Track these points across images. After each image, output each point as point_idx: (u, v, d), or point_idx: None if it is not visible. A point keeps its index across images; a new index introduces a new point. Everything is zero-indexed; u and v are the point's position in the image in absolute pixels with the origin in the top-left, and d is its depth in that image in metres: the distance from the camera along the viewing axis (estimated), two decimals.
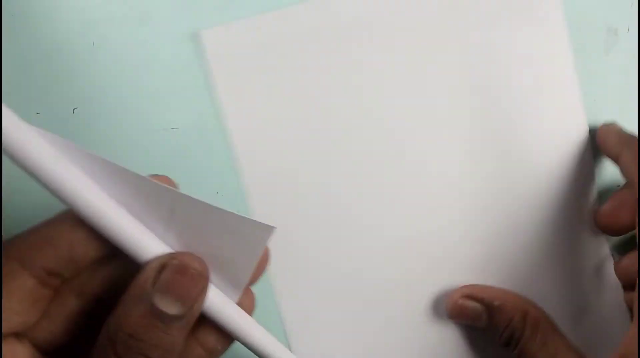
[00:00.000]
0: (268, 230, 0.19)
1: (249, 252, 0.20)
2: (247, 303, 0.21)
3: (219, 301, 0.20)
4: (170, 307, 0.18)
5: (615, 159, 0.28)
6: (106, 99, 0.25)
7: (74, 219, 0.19)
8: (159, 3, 0.26)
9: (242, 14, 0.26)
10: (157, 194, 0.19)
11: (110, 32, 0.25)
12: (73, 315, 0.20)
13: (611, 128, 0.29)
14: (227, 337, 0.21)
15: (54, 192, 0.18)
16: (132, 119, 0.26)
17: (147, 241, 0.19)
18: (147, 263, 0.18)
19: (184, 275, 0.18)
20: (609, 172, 0.30)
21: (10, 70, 0.27)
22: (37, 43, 0.25)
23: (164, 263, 0.18)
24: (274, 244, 0.22)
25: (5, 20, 0.24)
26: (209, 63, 0.25)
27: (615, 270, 0.29)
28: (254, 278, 0.21)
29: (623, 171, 0.27)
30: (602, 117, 0.30)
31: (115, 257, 0.20)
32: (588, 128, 0.29)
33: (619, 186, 0.30)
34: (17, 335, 0.19)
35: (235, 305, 0.21)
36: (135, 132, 0.26)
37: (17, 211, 0.26)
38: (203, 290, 0.19)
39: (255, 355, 0.22)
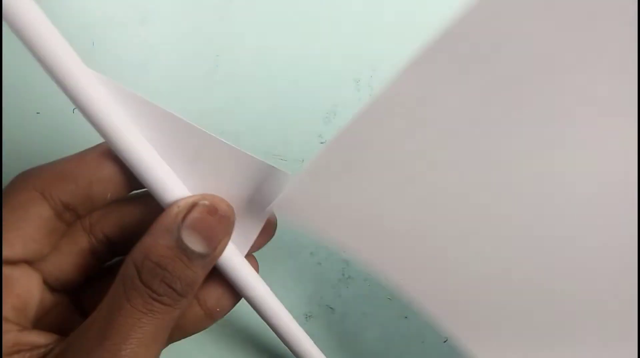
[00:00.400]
0: (284, 176, 0.20)
1: (262, 202, 0.20)
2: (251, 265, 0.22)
3: (230, 253, 0.20)
4: (196, 244, 0.18)
5: None
6: None
7: (98, 158, 0.19)
8: (159, 3, 0.26)
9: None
10: (184, 132, 0.19)
11: (110, 32, 0.25)
12: (82, 252, 0.21)
13: None
14: (228, 297, 0.21)
15: (89, 116, 0.18)
16: None
17: (172, 183, 0.19)
18: (180, 199, 0.19)
19: (212, 215, 0.19)
20: None
21: (11, 70, 0.27)
22: None
23: (195, 201, 0.19)
24: None
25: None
26: None
27: None
28: (260, 243, 0.22)
29: None
30: None
31: (131, 201, 0.21)
32: None
33: None
34: (29, 263, 0.19)
35: (244, 259, 0.21)
36: None
37: None
38: (228, 233, 0.19)
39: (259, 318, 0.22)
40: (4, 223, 0.18)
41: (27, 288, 0.19)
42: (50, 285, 0.20)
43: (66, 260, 0.21)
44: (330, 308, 0.28)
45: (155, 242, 0.18)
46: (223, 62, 0.28)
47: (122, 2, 0.25)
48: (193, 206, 0.19)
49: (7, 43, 0.25)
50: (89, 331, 0.17)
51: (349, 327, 0.28)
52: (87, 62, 0.25)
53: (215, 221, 0.19)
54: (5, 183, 0.25)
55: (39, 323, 0.20)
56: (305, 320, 0.28)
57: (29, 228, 0.19)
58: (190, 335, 0.21)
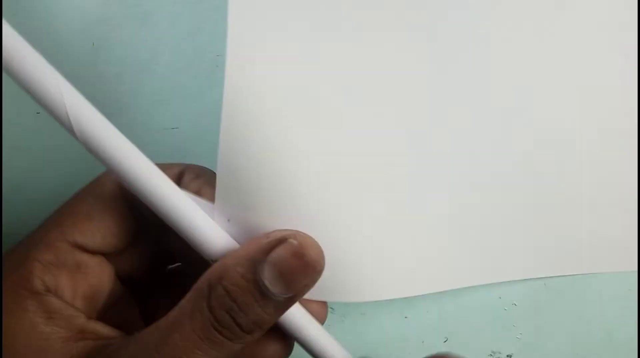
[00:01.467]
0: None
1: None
2: (318, 311, 0.20)
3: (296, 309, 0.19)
4: (274, 284, 0.17)
5: None
6: (106, 99, 0.25)
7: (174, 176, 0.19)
8: (158, 3, 0.26)
9: None
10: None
11: (110, 32, 0.25)
12: (151, 253, 0.21)
13: None
14: (286, 349, 0.20)
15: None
16: (132, 119, 0.26)
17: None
18: (274, 231, 0.18)
19: (298, 259, 0.17)
20: None
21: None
22: (37, 43, 0.25)
23: (285, 237, 0.17)
24: None
25: (6, 20, 0.24)
26: None
27: None
28: None
29: None
30: None
31: None
32: None
33: None
34: (105, 255, 0.19)
35: (309, 315, 0.20)
36: (135, 132, 0.26)
37: (17, 209, 0.26)
38: (313, 280, 0.18)
39: None
40: (87, 208, 0.19)
41: (100, 279, 0.19)
42: (120, 279, 0.20)
43: (138, 258, 0.21)
44: (331, 308, 0.28)
45: (234, 268, 0.17)
46: (223, 62, 0.28)
47: (122, 2, 0.25)
48: (281, 241, 0.17)
49: None
50: (148, 338, 0.17)
51: (349, 327, 0.28)
52: (87, 62, 0.25)
53: (300, 265, 0.17)
54: (5, 183, 0.25)
55: (105, 314, 0.20)
56: None
57: (111, 222, 0.19)
58: None
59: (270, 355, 0.20)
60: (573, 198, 0.24)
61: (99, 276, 0.19)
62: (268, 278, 0.17)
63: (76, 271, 0.18)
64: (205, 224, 0.18)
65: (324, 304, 0.20)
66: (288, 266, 0.17)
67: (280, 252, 0.17)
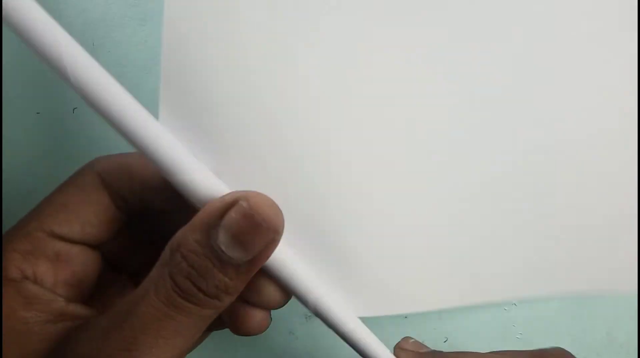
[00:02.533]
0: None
1: None
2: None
3: (283, 256, 0.19)
4: (230, 248, 0.16)
5: None
6: None
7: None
8: (159, 3, 0.26)
9: None
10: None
11: (110, 32, 0.25)
12: (146, 239, 0.21)
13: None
14: (281, 295, 0.20)
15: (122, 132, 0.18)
16: None
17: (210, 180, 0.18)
18: (227, 194, 0.17)
19: (250, 220, 0.16)
20: None
21: (11, 70, 0.27)
22: None
23: (236, 200, 0.17)
24: None
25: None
26: None
27: None
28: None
29: None
30: None
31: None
32: None
33: None
34: (88, 245, 0.20)
35: (299, 264, 0.19)
36: None
37: (17, 209, 0.26)
38: (272, 242, 0.17)
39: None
40: (66, 202, 0.19)
41: (84, 267, 0.20)
42: (115, 264, 0.21)
43: (128, 245, 0.21)
44: None
45: (188, 235, 0.17)
46: None
47: (122, 2, 0.25)
48: (233, 204, 0.17)
49: (7, 43, 0.25)
50: (119, 310, 0.17)
51: None
52: None
53: (252, 226, 0.17)
54: (4, 183, 0.25)
55: (99, 299, 0.20)
56: (305, 320, 0.28)
57: (88, 213, 0.19)
58: (249, 335, 0.20)
59: (257, 323, 0.20)
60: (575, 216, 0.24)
61: (83, 263, 0.20)
62: (223, 242, 0.16)
63: (56, 259, 0.19)
64: (196, 170, 0.18)
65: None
66: (240, 229, 0.16)
67: (232, 215, 0.16)
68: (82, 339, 0.17)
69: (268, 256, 0.17)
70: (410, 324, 0.28)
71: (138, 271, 0.22)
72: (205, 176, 0.18)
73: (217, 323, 0.19)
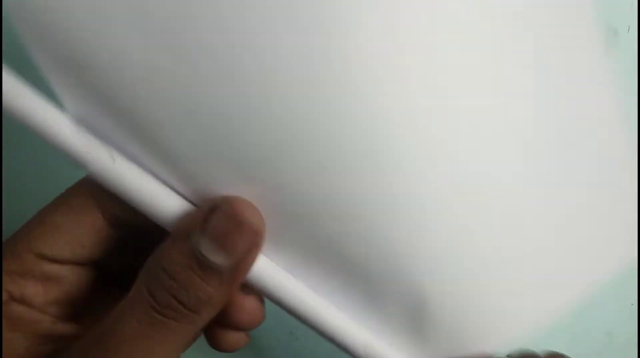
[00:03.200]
0: None
1: None
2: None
3: (264, 267, 0.18)
4: (214, 255, 0.16)
5: None
6: None
7: None
8: None
9: None
10: None
11: None
12: (138, 247, 0.20)
13: None
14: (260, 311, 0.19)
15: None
16: None
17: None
18: (206, 201, 0.17)
19: (232, 221, 0.16)
20: None
21: (11, 70, 0.27)
22: None
23: (215, 206, 0.17)
24: None
25: (6, 20, 0.24)
26: None
27: None
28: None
29: None
30: None
31: None
32: None
33: None
34: (79, 264, 0.19)
35: (282, 274, 0.18)
36: None
37: (17, 209, 0.26)
38: (254, 247, 0.17)
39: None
40: (57, 223, 0.18)
41: (76, 285, 0.19)
42: (107, 278, 0.20)
43: (126, 262, 0.20)
44: None
45: (170, 245, 0.16)
46: None
47: None
48: (213, 209, 0.17)
49: (7, 43, 0.25)
50: (97, 330, 0.17)
51: None
52: None
53: (234, 227, 0.16)
54: (4, 183, 0.25)
55: (94, 312, 0.20)
56: None
57: (81, 235, 0.18)
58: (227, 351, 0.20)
59: (234, 341, 0.20)
60: None
61: (75, 283, 0.19)
62: (205, 248, 0.16)
63: (45, 280, 0.18)
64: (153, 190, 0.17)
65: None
66: (222, 231, 0.16)
67: (213, 220, 0.16)
68: None
69: (251, 263, 0.17)
70: None
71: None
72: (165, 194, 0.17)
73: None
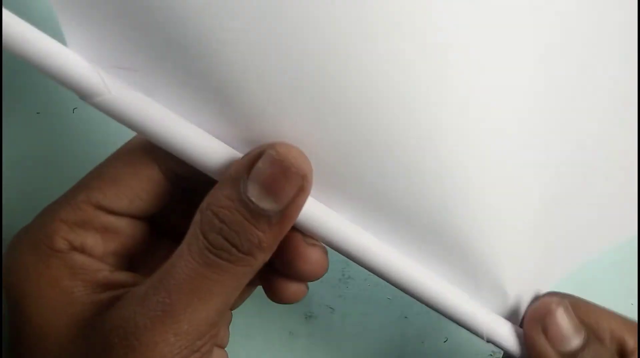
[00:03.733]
0: None
1: None
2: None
3: (314, 209, 0.18)
4: (261, 200, 0.16)
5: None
6: None
7: None
8: None
9: None
10: None
11: None
12: (193, 200, 0.20)
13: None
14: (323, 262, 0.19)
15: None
16: None
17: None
18: (254, 148, 0.17)
19: (278, 167, 0.16)
20: None
21: (11, 70, 0.27)
22: None
23: (262, 151, 0.17)
24: None
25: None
26: None
27: None
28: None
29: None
30: None
31: None
32: None
33: None
34: (136, 217, 0.20)
35: (331, 212, 0.19)
36: None
37: (18, 209, 0.26)
38: (301, 192, 0.17)
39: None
40: (115, 176, 0.19)
41: (133, 238, 0.20)
42: (163, 230, 0.21)
43: (180, 212, 0.20)
44: (330, 308, 0.28)
45: (219, 190, 0.17)
46: None
47: None
48: (260, 155, 0.17)
49: None
50: (156, 274, 0.17)
51: (349, 327, 0.28)
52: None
53: (281, 172, 0.16)
54: (4, 183, 0.25)
55: (150, 264, 0.20)
56: (305, 319, 0.28)
57: (138, 188, 0.19)
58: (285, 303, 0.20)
59: (293, 292, 0.20)
60: None
61: (131, 234, 0.20)
62: (253, 193, 0.16)
63: (104, 231, 0.19)
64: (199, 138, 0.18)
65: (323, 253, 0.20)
66: (270, 177, 0.16)
67: (260, 165, 0.16)
68: (121, 305, 0.17)
69: (300, 208, 0.17)
70: (411, 324, 0.28)
71: None
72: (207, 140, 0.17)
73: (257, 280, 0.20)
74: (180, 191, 0.20)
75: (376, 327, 0.28)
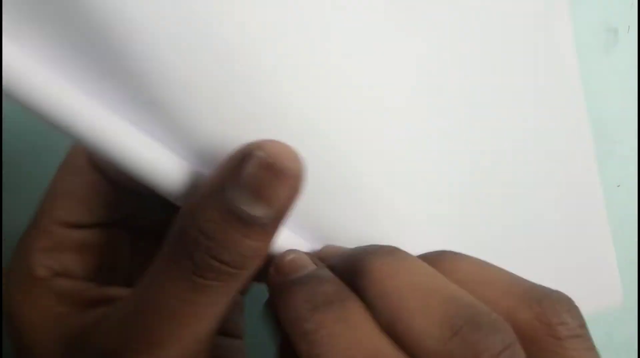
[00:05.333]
0: None
1: None
2: None
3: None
4: (252, 207, 0.15)
5: None
6: None
7: None
8: None
9: None
10: None
11: None
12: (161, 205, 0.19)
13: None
14: None
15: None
16: None
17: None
18: (233, 151, 0.15)
19: (269, 170, 0.15)
20: (611, 168, 0.30)
21: None
22: None
23: (249, 152, 0.15)
24: None
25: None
26: None
27: None
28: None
29: None
30: (602, 118, 0.30)
31: None
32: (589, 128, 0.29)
33: (618, 185, 0.30)
34: (107, 226, 0.19)
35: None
36: None
37: (18, 209, 0.26)
38: (295, 192, 0.15)
39: None
40: (67, 189, 0.18)
41: (112, 247, 0.19)
42: (148, 238, 0.20)
43: (152, 216, 0.19)
44: None
45: (202, 205, 0.15)
46: None
47: None
48: (246, 157, 0.15)
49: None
50: (133, 299, 0.16)
51: None
52: None
53: (273, 176, 0.15)
54: (4, 183, 0.25)
55: (141, 273, 0.18)
56: None
57: (91, 195, 0.18)
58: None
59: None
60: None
61: (110, 245, 0.19)
62: (243, 201, 0.14)
63: (80, 248, 0.18)
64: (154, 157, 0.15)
65: None
66: (261, 182, 0.15)
67: (249, 170, 0.14)
68: (100, 330, 0.16)
69: (292, 207, 0.15)
70: None
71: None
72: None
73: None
74: (128, 197, 0.19)
75: None
